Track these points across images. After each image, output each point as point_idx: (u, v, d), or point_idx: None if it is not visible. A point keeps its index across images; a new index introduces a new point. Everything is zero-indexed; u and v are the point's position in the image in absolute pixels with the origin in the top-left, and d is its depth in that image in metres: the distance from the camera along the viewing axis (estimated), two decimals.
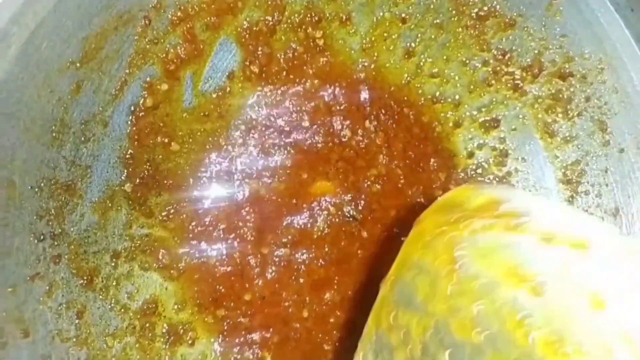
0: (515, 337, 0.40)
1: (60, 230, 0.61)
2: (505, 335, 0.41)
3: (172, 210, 0.67)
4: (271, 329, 0.69)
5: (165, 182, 0.67)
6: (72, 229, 0.62)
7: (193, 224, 0.68)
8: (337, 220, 0.70)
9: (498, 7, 0.68)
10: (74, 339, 0.61)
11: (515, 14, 0.68)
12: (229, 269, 0.68)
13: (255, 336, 0.69)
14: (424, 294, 0.47)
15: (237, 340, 0.68)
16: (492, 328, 0.41)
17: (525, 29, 0.68)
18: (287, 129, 0.70)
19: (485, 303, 0.43)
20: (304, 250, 0.69)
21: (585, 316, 0.40)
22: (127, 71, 0.64)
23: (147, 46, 0.64)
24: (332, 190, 0.70)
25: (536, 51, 0.69)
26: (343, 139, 0.70)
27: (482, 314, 0.42)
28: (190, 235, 0.68)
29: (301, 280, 0.69)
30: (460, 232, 0.48)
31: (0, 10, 0.50)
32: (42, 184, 0.60)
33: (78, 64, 0.59)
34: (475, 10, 0.69)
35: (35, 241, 0.59)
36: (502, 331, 0.41)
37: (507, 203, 0.50)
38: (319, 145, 0.70)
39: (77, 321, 0.62)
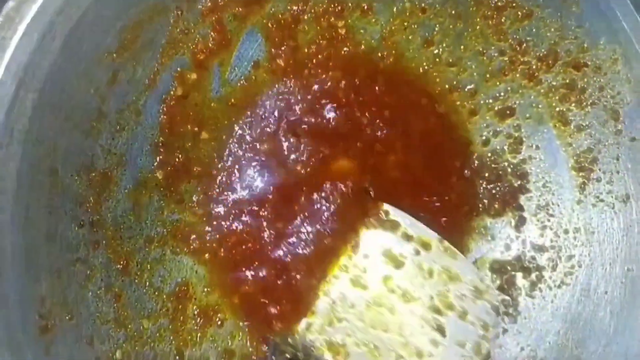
0: None
1: (98, 217, 0.63)
2: None
3: (201, 196, 0.69)
4: (284, 301, 0.69)
5: (195, 169, 0.69)
6: (108, 216, 0.64)
7: (219, 207, 0.70)
8: (351, 197, 0.71)
9: None
10: (113, 322, 0.63)
11: (532, 4, 0.69)
12: (248, 245, 0.69)
13: (273, 309, 0.70)
14: None
15: (259, 316, 0.70)
16: None
17: (542, 19, 0.69)
18: (309, 116, 0.71)
19: None
20: (318, 226, 0.70)
21: None
22: (160, 61, 0.65)
23: (179, 36, 0.66)
24: (352, 169, 0.71)
25: (552, 41, 0.70)
26: (362, 127, 0.72)
27: None
28: (216, 217, 0.70)
29: (307, 251, 0.69)
30: None
31: (47, 3, 0.51)
32: (82, 172, 0.61)
33: (115, 54, 0.60)
34: (495, 1, 0.70)
35: (76, 227, 0.61)
36: None
37: None
38: (340, 130, 0.71)
39: (115, 304, 0.64)
